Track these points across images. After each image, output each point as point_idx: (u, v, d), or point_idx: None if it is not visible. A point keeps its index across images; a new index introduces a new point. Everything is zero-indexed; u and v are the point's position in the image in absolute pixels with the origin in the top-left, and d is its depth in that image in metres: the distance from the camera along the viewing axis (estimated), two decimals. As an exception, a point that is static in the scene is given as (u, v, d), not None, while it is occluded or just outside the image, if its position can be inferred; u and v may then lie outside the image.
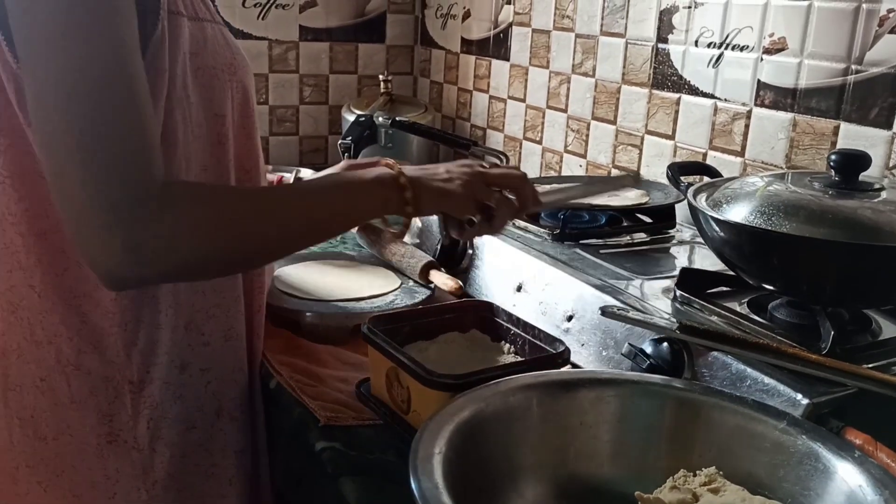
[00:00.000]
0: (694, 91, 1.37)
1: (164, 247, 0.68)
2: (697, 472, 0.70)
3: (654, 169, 1.46)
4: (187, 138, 0.82)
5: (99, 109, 0.67)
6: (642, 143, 1.49)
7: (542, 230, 1.21)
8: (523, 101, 1.82)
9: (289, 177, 1.78)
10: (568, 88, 1.67)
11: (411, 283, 1.21)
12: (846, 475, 0.64)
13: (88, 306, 0.82)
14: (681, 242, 1.25)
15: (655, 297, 0.99)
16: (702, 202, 0.92)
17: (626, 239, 1.24)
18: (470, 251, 1.22)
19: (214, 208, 0.72)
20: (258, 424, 0.99)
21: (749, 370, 0.80)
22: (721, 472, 0.69)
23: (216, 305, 0.90)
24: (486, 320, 0.96)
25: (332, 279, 1.20)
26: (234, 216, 0.73)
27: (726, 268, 0.97)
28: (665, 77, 1.43)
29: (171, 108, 0.79)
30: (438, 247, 1.24)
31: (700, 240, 1.22)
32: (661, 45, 1.43)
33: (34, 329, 0.82)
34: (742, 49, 1.28)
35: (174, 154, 0.80)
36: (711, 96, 1.34)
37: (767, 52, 1.24)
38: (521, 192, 0.90)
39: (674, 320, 0.87)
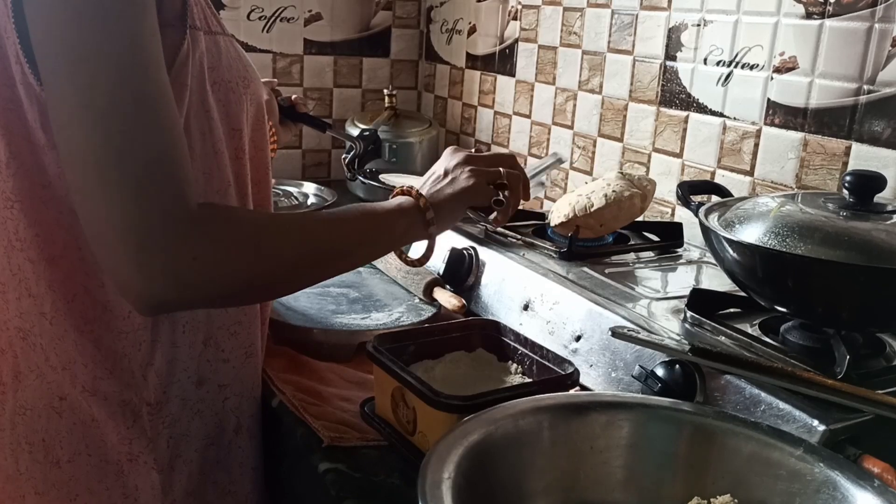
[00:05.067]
0: (702, 109, 1.36)
1: (203, 270, 0.67)
2: (711, 499, 0.68)
3: (662, 187, 1.45)
4: (207, 154, 0.81)
5: (124, 132, 0.65)
6: (650, 160, 1.48)
7: (550, 248, 1.20)
8: (528, 116, 1.81)
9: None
10: (574, 105, 1.67)
11: (417, 300, 1.19)
12: (866, 506, 0.62)
13: (101, 330, 0.80)
14: (689, 262, 1.23)
15: (665, 317, 0.98)
16: (714, 222, 0.91)
17: (632, 257, 1.22)
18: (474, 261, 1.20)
19: (252, 233, 0.72)
20: (266, 441, 0.97)
21: (763, 394, 0.78)
22: (736, 501, 0.68)
23: (238, 323, 0.89)
24: (493, 339, 0.95)
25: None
26: (271, 242, 0.73)
27: (736, 288, 0.96)
28: (673, 95, 1.42)
29: (188, 123, 0.78)
30: (444, 264, 1.22)
31: (707, 259, 1.21)
32: (669, 63, 1.42)
33: (49, 355, 0.80)
34: (752, 68, 1.27)
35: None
36: (720, 115, 1.33)
37: (777, 70, 1.23)
38: (515, 167, 0.95)
39: (685, 342, 0.86)
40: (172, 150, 0.67)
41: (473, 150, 0.95)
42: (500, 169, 0.93)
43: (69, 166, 0.67)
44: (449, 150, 0.95)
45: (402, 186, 0.90)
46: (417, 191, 0.88)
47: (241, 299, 0.82)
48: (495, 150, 1.94)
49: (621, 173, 1.25)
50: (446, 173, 0.91)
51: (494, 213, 0.94)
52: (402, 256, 0.94)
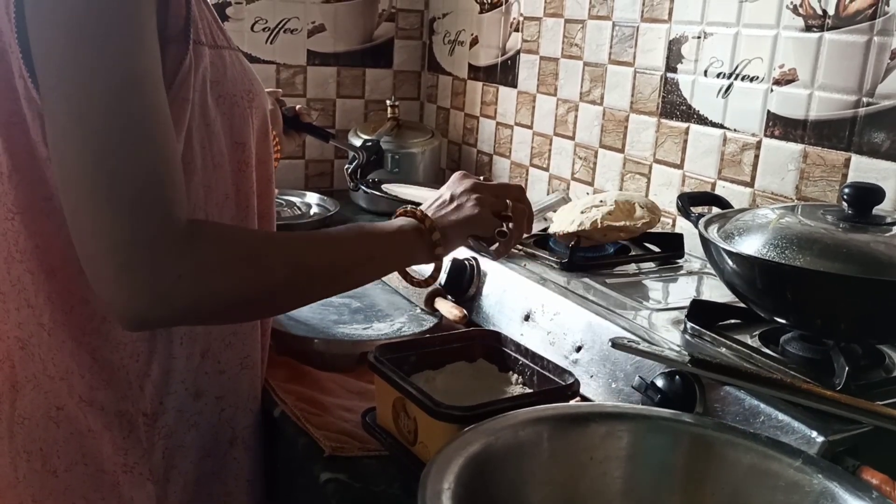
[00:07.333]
0: (703, 121, 1.37)
1: (187, 288, 0.66)
2: (710, 510, 0.69)
3: (662, 198, 1.46)
4: (207, 167, 0.81)
5: (116, 151, 0.65)
6: (650, 171, 1.49)
7: (551, 259, 1.20)
8: (530, 127, 1.82)
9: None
10: (576, 116, 1.67)
11: (418, 310, 1.20)
12: (864, 517, 0.62)
13: (98, 341, 0.80)
14: (689, 273, 1.24)
15: (665, 328, 0.98)
16: (713, 234, 0.91)
17: (634, 268, 1.23)
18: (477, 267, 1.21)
19: (239, 251, 0.71)
20: (265, 452, 0.97)
21: (762, 406, 0.79)
22: (735, 512, 0.68)
23: (233, 333, 0.89)
24: (494, 350, 0.95)
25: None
26: (258, 260, 0.71)
27: (736, 299, 0.96)
28: (674, 106, 1.43)
29: (189, 137, 0.78)
30: (445, 275, 1.23)
31: (708, 270, 1.21)
32: (669, 75, 1.43)
33: (46, 365, 0.81)
34: (752, 80, 1.28)
35: (191, 183, 0.79)
36: (721, 126, 1.34)
37: (777, 83, 1.23)
38: (522, 200, 0.94)
39: (685, 353, 0.86)
40: (164, 169, 0.67)
41: (482, 178, 0.95)
42: (507, 200, 0.93)
43: (61, 181, 0.67)
44: (456, 175, 0.93)
45: (406, 207, 0.89)
46: (423, 212, 0.87)
47: (231, 317, 0.81)
48: (500, 161, 1.95)
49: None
50: (452, 199, 0.90)
51: (496, 244, 0.93)
52: (408, 278, 0.93)
